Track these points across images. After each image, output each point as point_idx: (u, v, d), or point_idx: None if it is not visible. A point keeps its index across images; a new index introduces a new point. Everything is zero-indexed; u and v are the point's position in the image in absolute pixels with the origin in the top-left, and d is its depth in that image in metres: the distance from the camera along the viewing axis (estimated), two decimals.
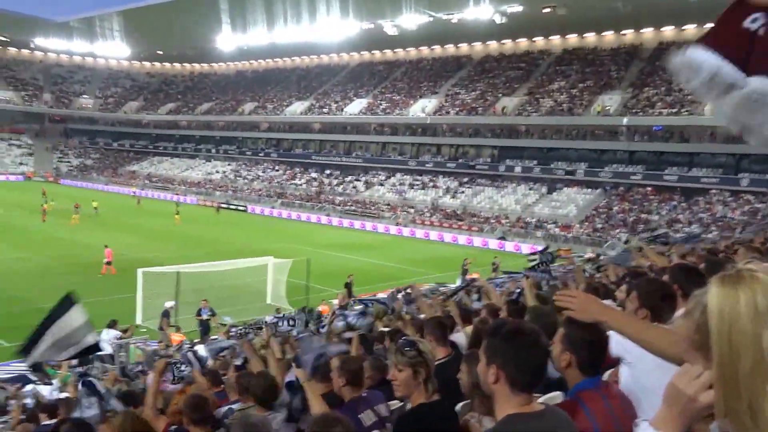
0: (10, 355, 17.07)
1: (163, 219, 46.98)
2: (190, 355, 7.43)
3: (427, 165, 57.49)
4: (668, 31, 55.08)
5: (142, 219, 47.27)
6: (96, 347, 5.97)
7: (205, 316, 19.55)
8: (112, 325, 16.40)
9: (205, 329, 19.24)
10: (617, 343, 2.65)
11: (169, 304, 20.32)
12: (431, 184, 55.39)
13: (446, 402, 3.39)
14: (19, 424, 7.93)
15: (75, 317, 5.55)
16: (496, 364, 2.10)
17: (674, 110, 45.94)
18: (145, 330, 20.25)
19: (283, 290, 24.97)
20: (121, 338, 15.94)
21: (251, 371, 6.01)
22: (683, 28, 53.61)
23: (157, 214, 49.55)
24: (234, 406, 5.41)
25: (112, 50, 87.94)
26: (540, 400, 2.33)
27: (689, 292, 2.68)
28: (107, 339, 15.14)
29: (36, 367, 12.86)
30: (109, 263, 28.32)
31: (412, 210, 51.21)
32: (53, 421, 6.79)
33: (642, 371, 2.71)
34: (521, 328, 2.18)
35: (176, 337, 18.48)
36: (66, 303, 5.58)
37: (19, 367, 15.50)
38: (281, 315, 9.31)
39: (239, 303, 22.76)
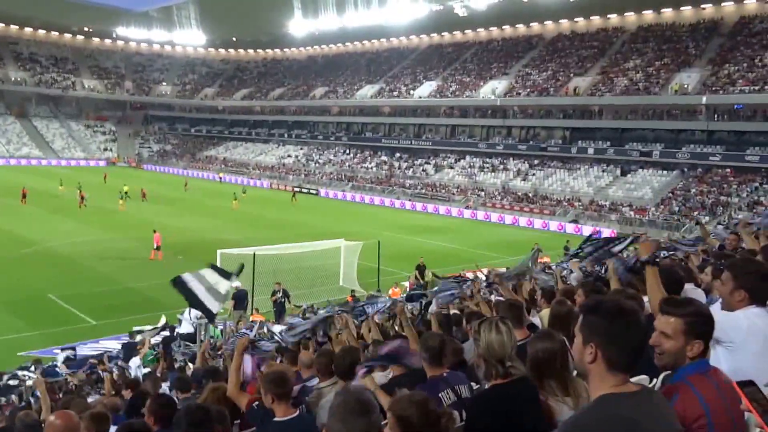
0: (98, 333, 18.57)
1: (246, 204, 48.35)
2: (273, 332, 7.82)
3: (497, 147, 57.17)
4: (751, 5, 52.63)
5: (219, 201, 48.77)
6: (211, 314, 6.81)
7: (280, 298, 20.08)
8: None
9: (279, 311, 19.80)
10: (717, 325, 2.54)
11: (236, 284, 20.88)
12: (501, 166, 55.12)
13: (527, 381, 3.28)
14: (110, 397, 8.28)
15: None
16: (594, 343, 2.05)
17: (756, 87, 44.03)
18: (224, 311, 21.16)
19: (355, 273, 25.34)
20: (201, 318, 16.44)
21: (331, 349, 6.14)
22: (766, 2, 51.15)
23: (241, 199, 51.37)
24: (311, 384, 5.41)
25: (189, 38, 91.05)
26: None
27: None
28: (190, 319, 15.56)
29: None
30: (157, 248, 28.22)
31: (482, 193, 51.18)
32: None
33: (744, 357, 2.70)
34: (623, 307, 2.09)
35: (256, 317, 19.20)
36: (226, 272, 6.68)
37: (106, 345, 16.69)
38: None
39: (313, 285, 23.42)
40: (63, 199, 46.24)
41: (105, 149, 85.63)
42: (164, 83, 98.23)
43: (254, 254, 22.74)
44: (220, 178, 67.78)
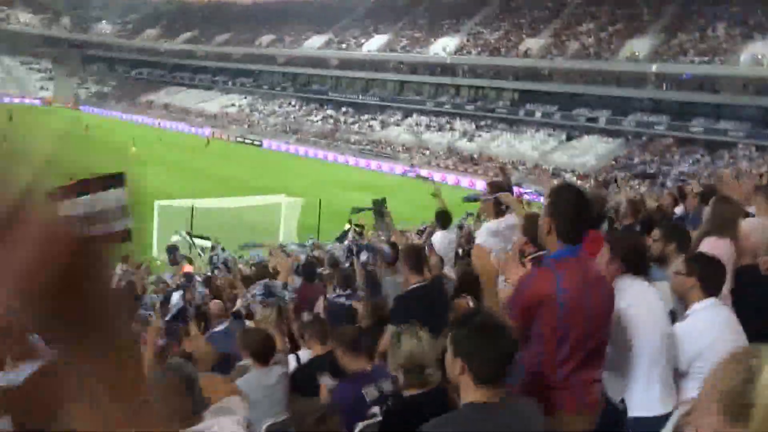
0: None
1: (186, 153, 46.53)
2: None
3: (444, 106, 56.12)
4: None
5: (163, 151, 46.66)
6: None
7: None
8: (124, 259, 15.50)
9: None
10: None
11: (175, 238, 20.01)
12: (448, 126, 54.21)
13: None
14: None
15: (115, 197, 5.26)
16: (462, 357, 2.19)
17: (706, 59, 43.94)
18: (160, 263, 20.08)
19: (295, 230, 25.09)
20: (133, 274, 15.43)
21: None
22: None
23: (179, 147, 49.29)
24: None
25: None
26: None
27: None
28: (119, 274, 14.79)
29: None
30: None
31: (427, 152, 50.28)
32: None
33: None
34: (488, 323, 2.25)
35: (187, 269, 18.21)
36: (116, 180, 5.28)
37: None
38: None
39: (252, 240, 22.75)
40: None
41: (41, 88, 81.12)
42: (104, 22, 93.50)
43: (192, 207, 22.78)
44: (159, 124, 65.00)
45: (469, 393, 2.20)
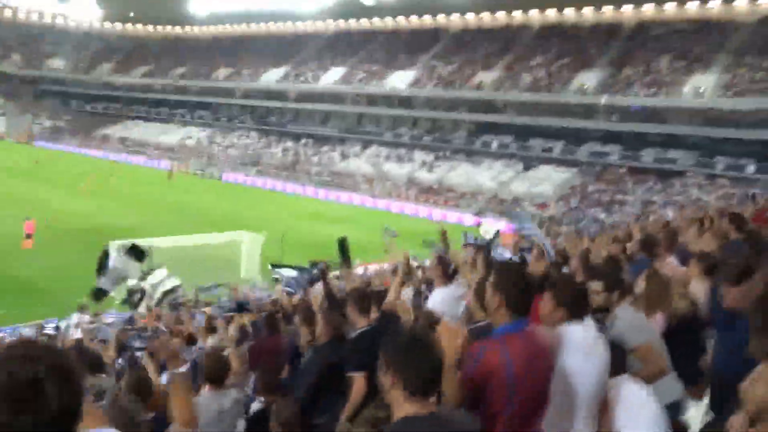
0: None
1: (146, 186, 46.11)
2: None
3: (403, 138, 57.10)
4: (648, 10, 54.79)
5: (110, 184, 45.16)
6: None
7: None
8: (83, 309, 15.32)
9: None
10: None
11: (131, 282, 19.21)
12: (407, 157, 55.09)
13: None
14: None
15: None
16: (392, 370, 2.27)
17: (652, 91, 45.99)
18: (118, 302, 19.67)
19: (257, 265, 24.44)
20: (92, 323, 14.59)
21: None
22: (664, 7, 53.43)
23: (136, 180, 48.72)
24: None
25: (84, 11, 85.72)
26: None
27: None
28: (75, 324, 14.23)
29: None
30: (29, 236, 25.80)
31: (388, 183, 50.95)
32: None
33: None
34: (417, 338, 2.37)
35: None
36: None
37: None
38: None
39: (213, 278, 22.25)
40: None
41: None
42: (57, 57, 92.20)
43: (150, 248, 21.09)
44: (115, 158, 63.78)
45: (401, 407, 2.26)
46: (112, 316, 16.92)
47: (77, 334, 13.31)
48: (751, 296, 3.03)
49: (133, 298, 18.86)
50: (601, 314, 4.22)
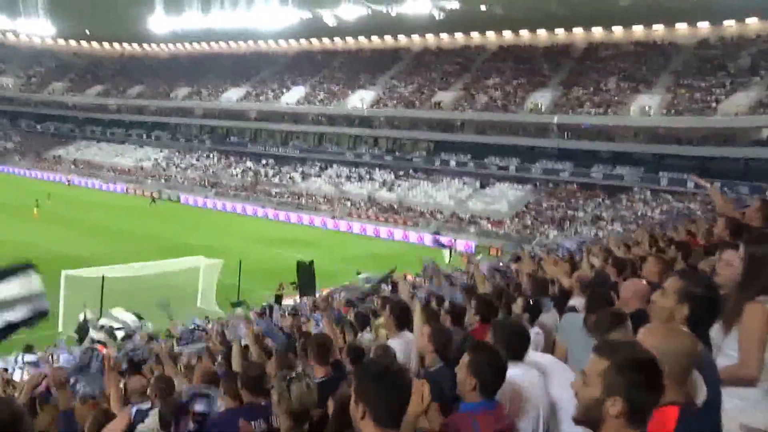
0: None
1: (98, 211, 45.37)
2: None
3: (363, 157, 57.82)
4: (597, 33, 56.95)
5: (62, 209, 44.64)
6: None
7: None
8: (28, 349, 14.19)
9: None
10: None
11: (88, 314, 19.32)
12: (368, 176, 55.77)
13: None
14: None
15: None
16: (362, 402, 2.32)
17: (601, 110, 47.78)
18: (66, 339, 19.05)
19: (214, 293, 24.31)
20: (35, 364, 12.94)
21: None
22: (612, 29, 55.58)
23: (90, 205, 48.10)
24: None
25: (36, 27, 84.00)
26: None
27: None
28: (18, 364, 13.30)
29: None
30: None
31: (348, 203, 51.48)
32: None
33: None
34: (387, 370, 2.39)
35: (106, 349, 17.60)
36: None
37: None
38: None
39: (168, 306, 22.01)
40: None
41: None
42: (5, 75, 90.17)
43: (102, 277, 21.12)
44: (68, 181, 63.00)
45: None
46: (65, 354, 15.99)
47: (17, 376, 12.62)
48: None
49: (81, 334, 18.68)
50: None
